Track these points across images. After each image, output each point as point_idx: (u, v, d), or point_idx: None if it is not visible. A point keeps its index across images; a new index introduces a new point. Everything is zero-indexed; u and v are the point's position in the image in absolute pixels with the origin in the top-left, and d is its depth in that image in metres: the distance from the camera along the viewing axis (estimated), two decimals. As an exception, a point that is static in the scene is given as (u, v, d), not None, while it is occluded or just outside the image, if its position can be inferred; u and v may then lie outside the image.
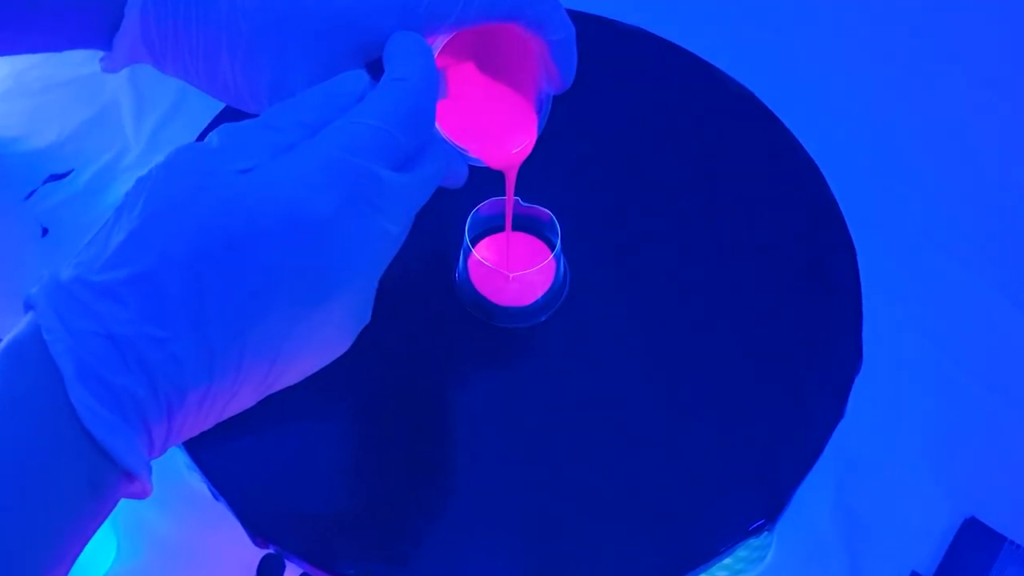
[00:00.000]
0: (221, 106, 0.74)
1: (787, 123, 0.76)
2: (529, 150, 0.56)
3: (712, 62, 0.79)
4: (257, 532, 0.60)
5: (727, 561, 0.68)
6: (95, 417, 0.39)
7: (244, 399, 0.43)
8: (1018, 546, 0.70)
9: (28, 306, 0.41)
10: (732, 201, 0.73)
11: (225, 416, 0.44)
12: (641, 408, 0.64)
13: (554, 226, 0.67)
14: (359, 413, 0.64)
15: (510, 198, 0.61)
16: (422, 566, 0.59)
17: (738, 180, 0.74)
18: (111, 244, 0.41)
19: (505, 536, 0.60)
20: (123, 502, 0.42)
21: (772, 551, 0.71)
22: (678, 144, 0.76)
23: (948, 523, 0.73)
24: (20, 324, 0.41)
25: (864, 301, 0.68)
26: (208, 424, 0.43)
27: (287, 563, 0.70)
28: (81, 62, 0.95)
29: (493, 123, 0.55)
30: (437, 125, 0.52)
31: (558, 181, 0.73)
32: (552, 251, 0.67)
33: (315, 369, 0.45)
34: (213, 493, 0.62)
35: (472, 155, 0.55)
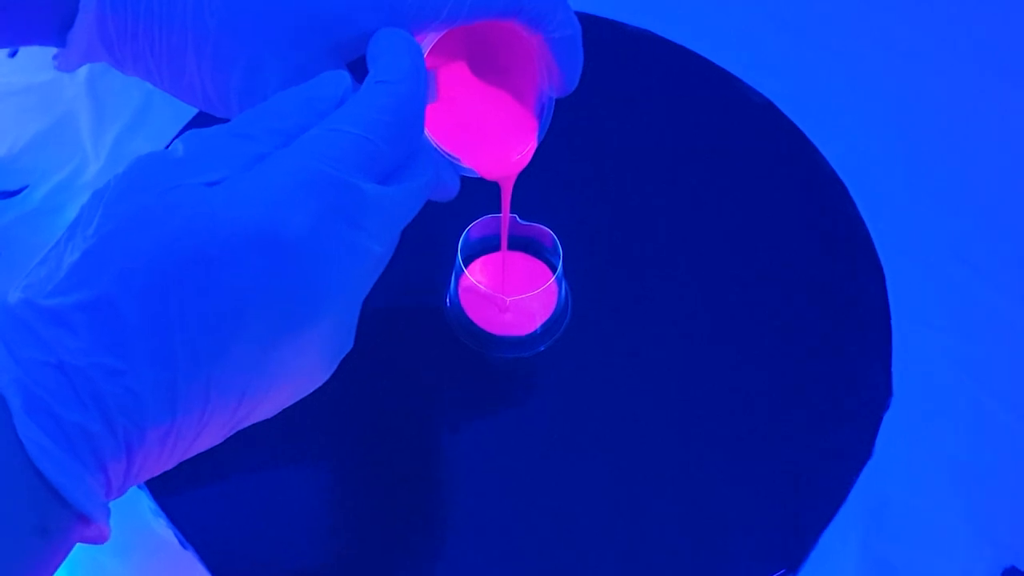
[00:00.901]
0: (189, 116, 0.73)
1: (810, 136, 0.76)
2: (528, 159, 0.55)
3: (728, 68, 0.79)
4: (227, 584, 0.59)
5: (745, 615, 0.67)
6: (45, 454, 0.38)
7: (211, 436, 0.43)
8: (1063, 598, 0.70)
9: None
10: (750, 221, 0.73)
11: (191, 454, 0.43)
12: (650, 447, 0.64)
13: (555, 246, 0.66)
14: (339, 454, 0.64)
15: (506, 213, 0.61)
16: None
17: (756, 198, 0.74)
18: (63, 264, 0.40)
19: (501, 588, 0.59)
20: (81, 548, 0.42)
21: (794, 604, 0.71)
22: (691, 158, 0.75)
23: (986, 573, 0.72)
24: None
25: (894, 330, 0.68)
26: (172, 462, 0.43)
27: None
28: (35, 69, 0.94)
29: (488, 129, 0.54)
30: (426, 131, 0.51)
31: (560, 197, 0.72)
32: (553, 274, 0.66)
33: (291, 402, 0.45)
34: (180, 541, 0.62)
35: (465, 164, 0.54)
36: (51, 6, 0.50)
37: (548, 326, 0.67)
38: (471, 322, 0.67)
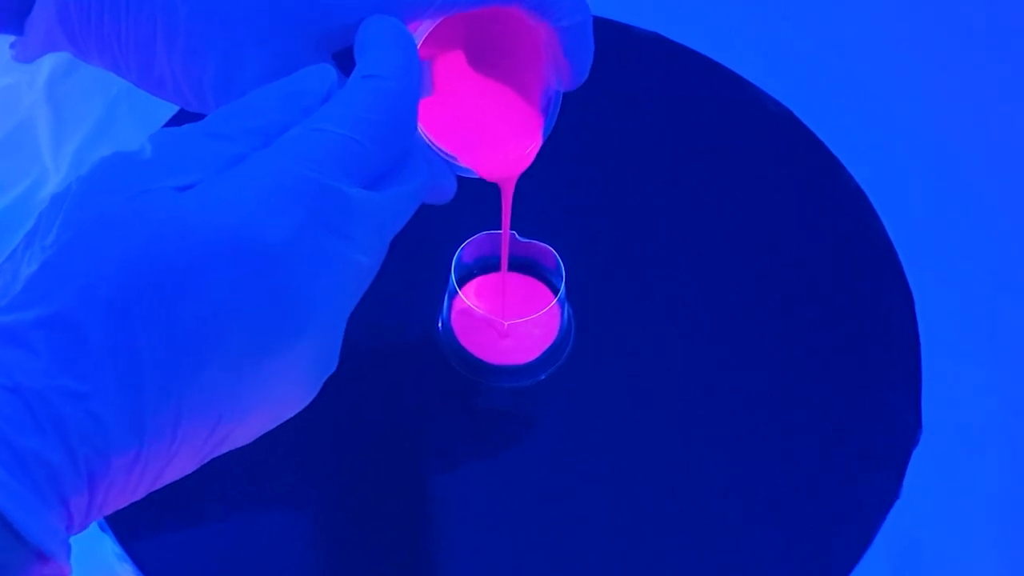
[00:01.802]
0: (158, 124, 0.73)
1: (831, 146, 0.76)
2: (531, 158, 0.55)
3: (743, 74, 0.79)
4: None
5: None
6: None
7: (183, 464, 0.42)
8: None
9: None
10: (767, 241, 0.73)
11: (160, 484, 0.42)
12: (662, 488, 0.63)
13: (558, 266, 0.66)
14: (318, 493, 0.63)
15: (507, 219, 0.60)
16: None
17: (774, 216, 0.74)
18: (20, 277, 0.40)
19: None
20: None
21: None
22: (703, 171, 0.75)
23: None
24: None
25: (923, 358, 0.68)
26: (140, 493, 0.42)
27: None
28: (-11, 72, 0.95)
29: (488, 125, 0.54)
30: (420, 128, 0.51)
31: (563, 212, 0.72)
32: (555, 296, 0.66)
33: (269, 427, 0.44)
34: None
35: (462, 164, 0.53)
36: None
37: (550, 353, 0.67)
38: (465, 349, 0.67)
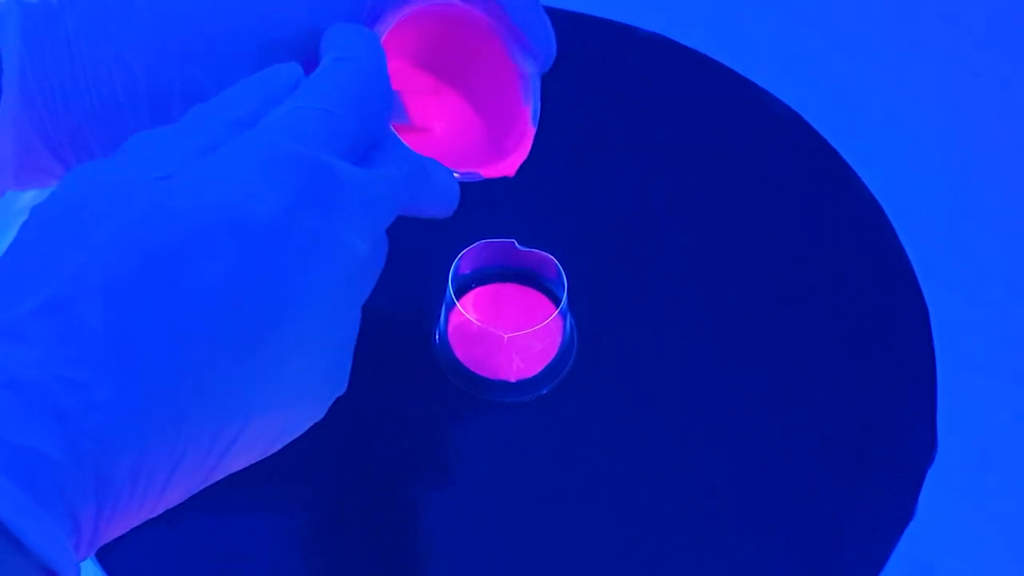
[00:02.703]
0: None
1: (842, 151, 0.76)
2: (528, 146, 0.55)
3: (750, 77, 0.79)
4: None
5: None
6: None
7: (186, 478, 0.42)
8: None
9: None
10: (775, 248, 0.73)
11: (163, 504, 0.42)
12: (666, 504, 0.64)
13: (559, 276, 0.66)
14: (312, 513, 0.64)
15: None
16: None
17: (783, 222, 0.74)
18: (7, 270, 0.40)
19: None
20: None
21: None
22: (710, 176, 0.76)
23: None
24: None
25: (938, 373, 0.68)
26: (144, 512, 0.41)
27: None
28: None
29: (478, 130, 0.55)
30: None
31: (563, 220, 0.72)
32: (557, 307, 0.66)
33: (279, 439, 0.44)
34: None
35: (464, 170, 0.54)
36: None
37: (551, 367, 0.67)
38: (463, 363, 0.67)
